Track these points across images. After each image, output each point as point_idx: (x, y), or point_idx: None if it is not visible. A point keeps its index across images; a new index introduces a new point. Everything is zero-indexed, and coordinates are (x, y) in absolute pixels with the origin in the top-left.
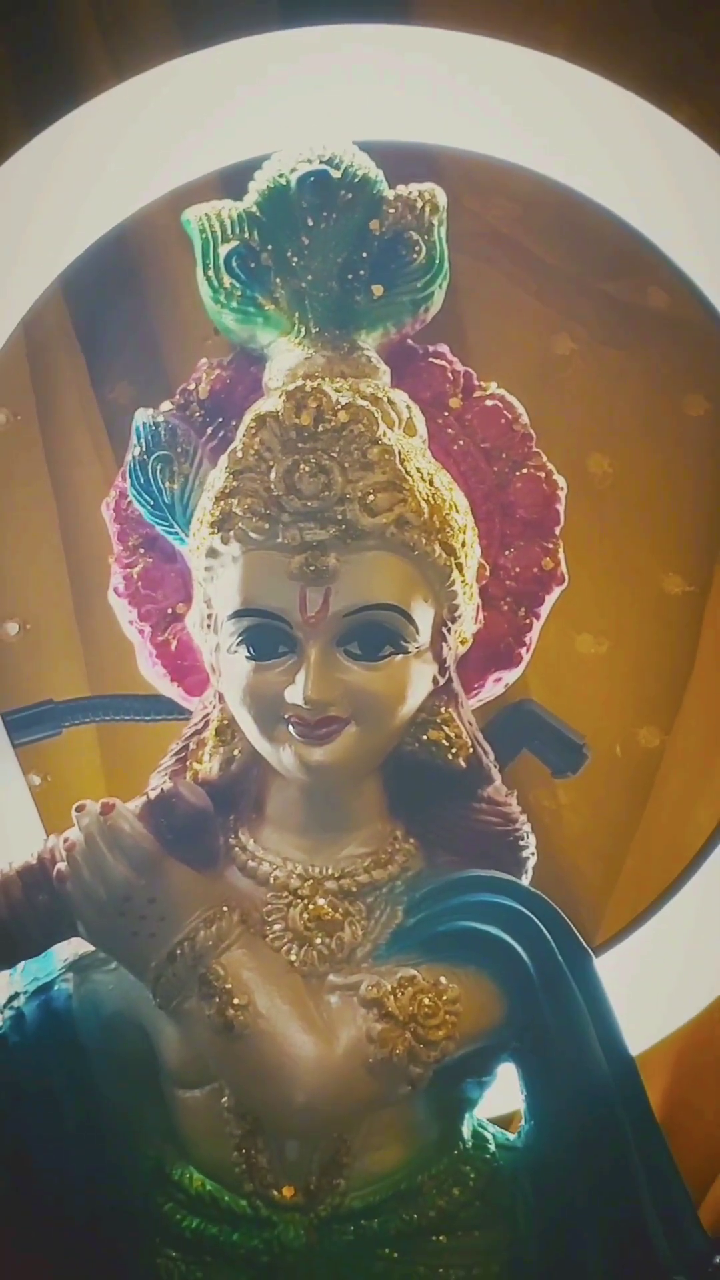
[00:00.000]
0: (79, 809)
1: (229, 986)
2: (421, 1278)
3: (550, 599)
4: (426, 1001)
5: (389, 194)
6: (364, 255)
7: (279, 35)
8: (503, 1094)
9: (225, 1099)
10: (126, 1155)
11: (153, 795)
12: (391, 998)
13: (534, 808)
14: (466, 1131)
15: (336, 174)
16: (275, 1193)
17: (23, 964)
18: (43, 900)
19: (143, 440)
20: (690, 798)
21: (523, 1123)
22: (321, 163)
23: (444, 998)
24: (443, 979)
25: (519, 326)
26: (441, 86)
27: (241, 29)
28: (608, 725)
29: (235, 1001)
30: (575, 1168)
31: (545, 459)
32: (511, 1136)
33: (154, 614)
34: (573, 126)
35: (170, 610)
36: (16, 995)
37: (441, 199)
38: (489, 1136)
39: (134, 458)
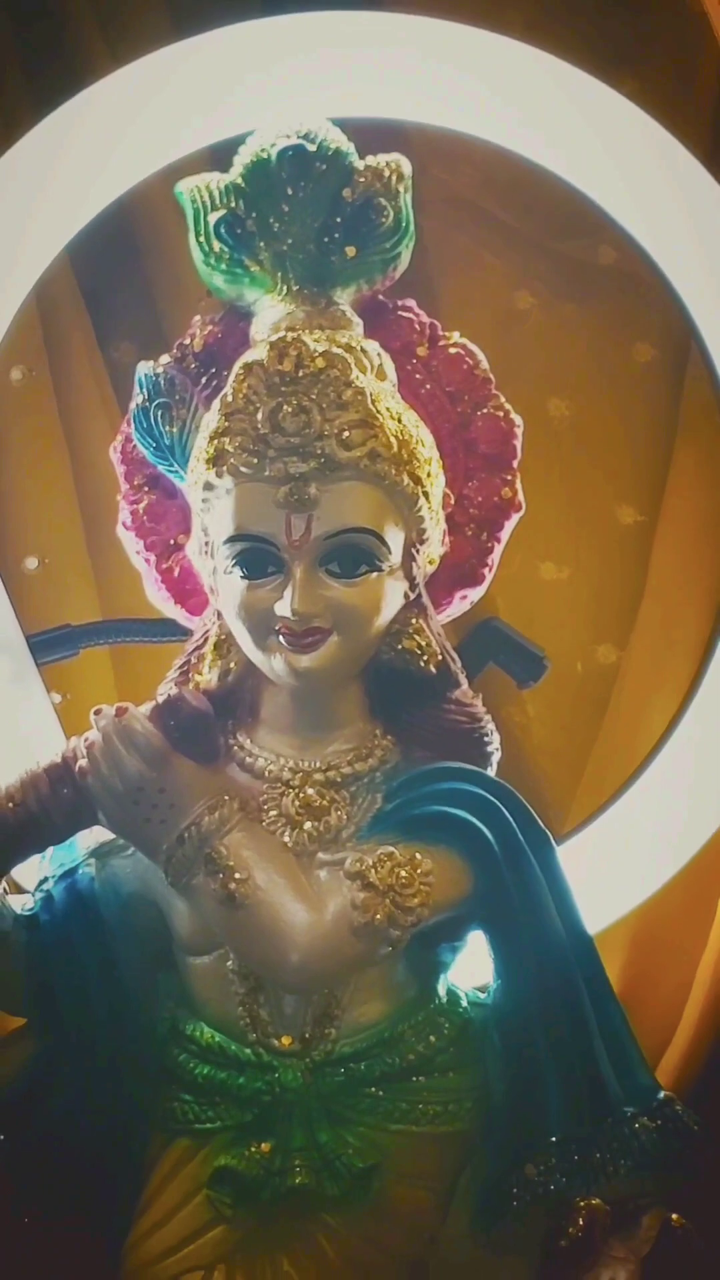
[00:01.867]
0: (97, 712)
1: (231, 864)
2: (403, 1113)
3: (509, 525)
4: (403, 874)
5: (359, 165)
6: (338, 220)
7: (261, 23)
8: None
9: (230, 962)
10: (145, 1016)
11: (160, 700)
12: (373, 871)
13: (505, 721)
14: (441, 990)
15: (312, 148)
16: (275, 1042)
17: (51, 851)
18: (67, 794)
19: (145, 390)
20: (643, 707)
21: (491, 983)
22: (299, 138)
23: (419, 871)
24: (418, 855)
25: (482, 283)
26: (411, 67)
27: (227, 18)
28: (569, 644)
29: (237, 876)
30: (537, 1020)
31: (504, 400)
32: (481, 995)
33: (158, 545)
34: (528, 102)
35: (172, 541)
36: (46, 879)
37: (407, 168)
38: (461, 995)
39: (137, 405)
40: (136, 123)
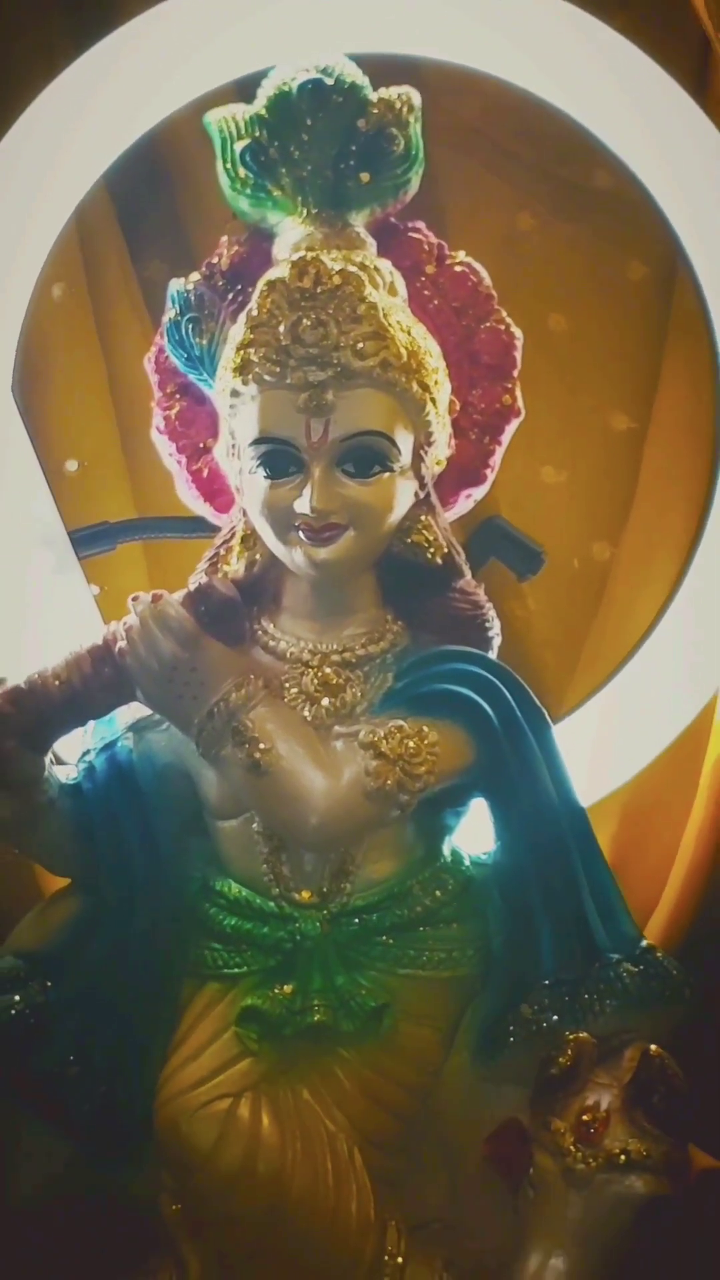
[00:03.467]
0: (134, 599)
1: (256, 736)
2: (411, 959)
3: (509, 429)
4: (411, 744)
5: (373, 97)
6: (353, 148)
7: None
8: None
9: (255, 825)
10: (178, 874)
11: (192, 589)
12: (384, 742)
13: (508, 615)
14: (446, 851)
15: (330, 81)
16: (296, 895)
17: (92, 725)
18: (107, 672)
19: (176, 305)
20: (633, 599)
21: (492, 845)
22: (317, 72)
23: (425, 741)
24: (425, 728)
25: (486, 205)
26: (421, 6)
27: None
28: (567, 542)
29: (261, 747)
30: (532, 878)
31: (505, 315)
32: (482, 855)
33: (189, 447)
34: (529, 37)
35: (202, 444)
36: (88, 751)
37: (416, 100)
38: (464, 855)
39: (169, 319)
40: (167, 59)
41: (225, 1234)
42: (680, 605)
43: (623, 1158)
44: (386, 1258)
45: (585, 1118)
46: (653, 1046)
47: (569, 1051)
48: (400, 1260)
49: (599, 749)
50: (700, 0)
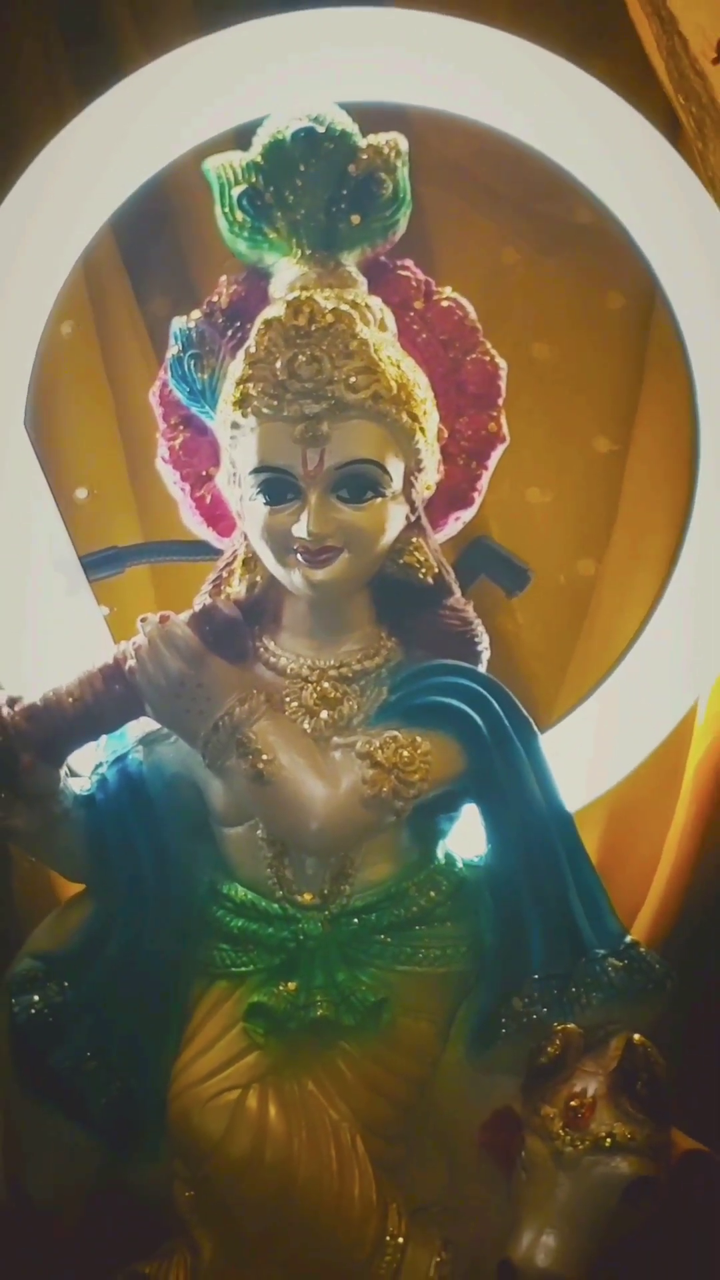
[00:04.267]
0: (143, 620)
1: (259, 747)
2: (408, 956)
3: (495, 454)
4: (406, 754)
5: (362, 144)
6: (344, 192)
7: (276, 18)
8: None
9: (259, 831)
10: (187, 879)
11: (197, 609)
12: (380, 751)
13: (498, 630)
14: (440, 854)
15: (321, 129)
16: (298, 897)
17: (104, 740)
18: (118, 689)
19: (179, 341)
20: (617, 613)
21: (484, 847)
22: (310, 121)
23: (419, 751)
24: (418, 738)
25: (473, 241)
26: (408, 56)
27: (247, 14)
28: (553, 559)
29: (264, 758)
30: (522, 879)
31: (490, 346)
32: (474, 858)
33: (192, 476)
34: (511, 83)
35: (204, 472)
36: (100, 764)
37: (404, 145)
38: (457, 858)
39: (172, 355)
40: (168, 109)
41: (236, 1218)
42: (662, 618)
43: (609, 1141)
44: (388, 1238)
45: (573, 1104)
46: (636, 1036)
47: (557, 1042)
48: (401, 1240)
49: (586, 756)
50: (661, 67)
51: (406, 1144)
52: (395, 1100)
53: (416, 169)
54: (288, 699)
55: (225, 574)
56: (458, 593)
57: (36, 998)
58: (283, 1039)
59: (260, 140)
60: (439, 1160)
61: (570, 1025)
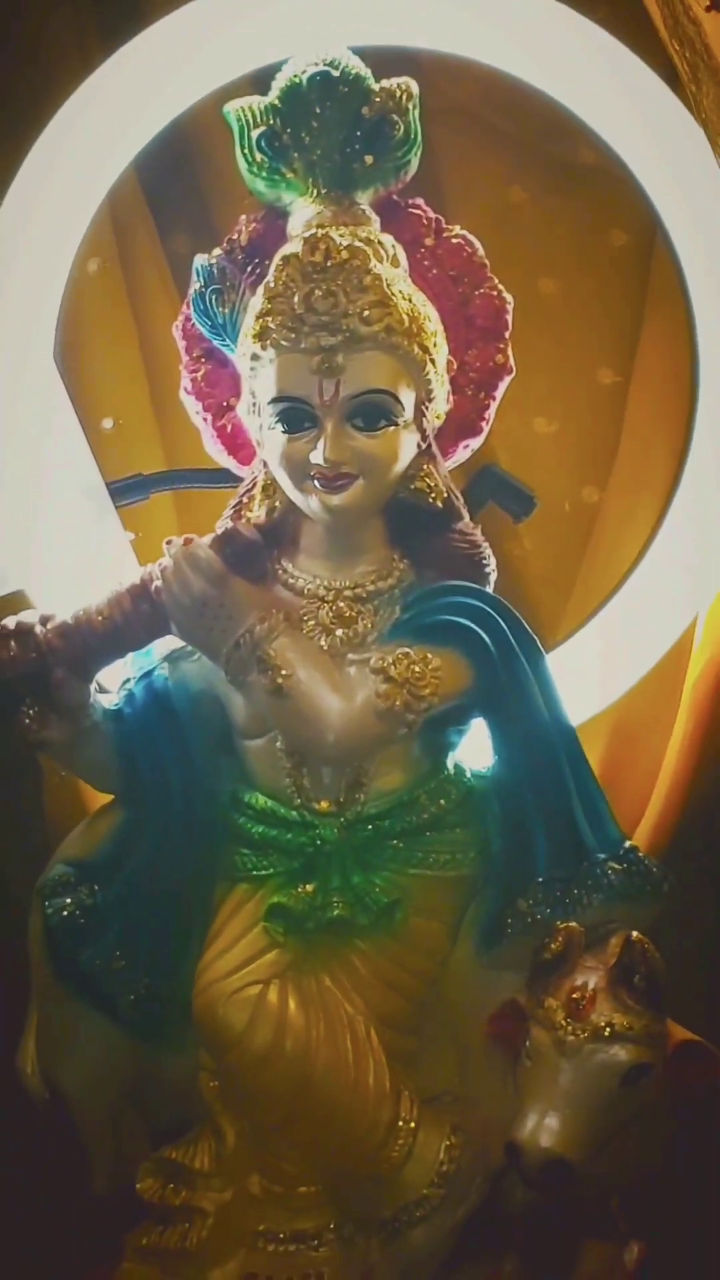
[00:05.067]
0: (168, 543)
1: (278, 663)
2: (419, 860)
3: (502, 385)
4: (417, 669)
5: (375, 87)
6: (358, 134)
7: None
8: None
9: (278, 743)
10: (210, 788)
11: (219, 533)
12: (392, 667)
13: (506, 554)
14: (450, 764)
15: (336, 73)
16: (316, 805)
17: (131, 657)
18: (145, 609)
19: (201, 278)
20: (619, 537)
21: (492, 758)
22: (325, 65)
23: (430, 666)
24: (429, 654)
25: (481, 181)
26: (421, 2)
27: None
28: (559, 487)
29: (283, 673)
30: (527, 788)
31: (498, 282)
32: (482, 769)
33: (214, 406)
34: (519, 29)
35: (226, 403)
36: (128, 679)
37: (414, 89)
38: (466, 768)
39: (195, 291)
40: (189, 55)
41: (258, 1106)
42: (662, 542)
43: (608, 1030)
44: (401, 1123)
45: (575, 996)
46: (635, 934)
47: (560, 939)
48: (413, 1125)
49: (589, 672)
50: (657, 15)
51: (418, 1036)
52: (408, 995)
53: (427, 111)
54: (305, 618)
55: (246, 499)
56: (466, 517)
57: (68, 901)
58: (301, 938)
59: (278, 84)
60: (449, 1051)
61: (572, 924)
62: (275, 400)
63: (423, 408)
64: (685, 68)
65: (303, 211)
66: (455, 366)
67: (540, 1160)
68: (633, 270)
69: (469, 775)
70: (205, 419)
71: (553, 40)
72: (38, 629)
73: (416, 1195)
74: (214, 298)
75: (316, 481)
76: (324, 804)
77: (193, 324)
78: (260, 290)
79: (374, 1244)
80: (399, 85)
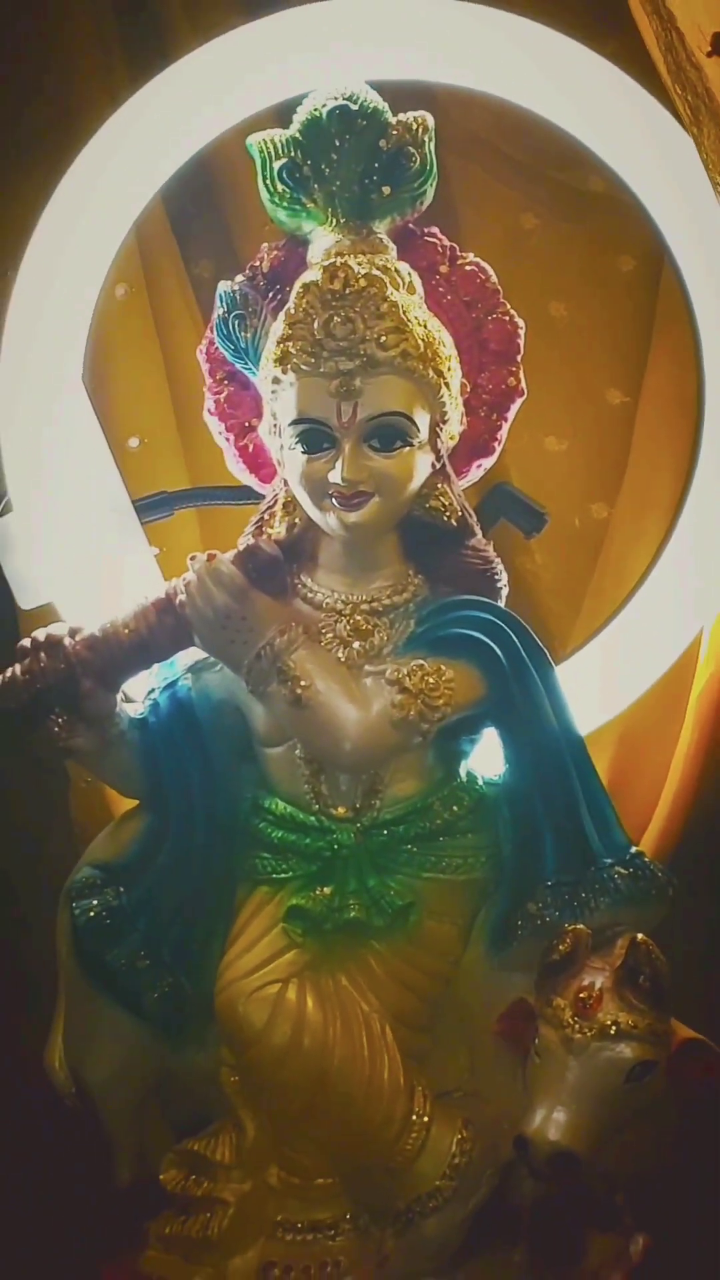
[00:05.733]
0: (192, 558)
1: (297, 674)
2: (432, 864)
3: (514, 407)
4: (431, 680)
5: (392, 120)
6: (376, 165)
7: (315, 6)
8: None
9: (297, 751)
10: (231, 794)
11: (241, 549)
12: (408, 679)
13: (518, 569)
14: (463, 772)
15: (355, 107)
16: (333, 811)
17: (156, 668)
18: (169, 621)
19: (224, 304)
20: (628, 553)
21: (502, 766)
22: (344, 99)
23: (443, 678)
24: (443, 666)
25: (494, 208)
26: (436, 40)
27: (287, 2)
28: (569, 503)
29: (302, 684)
30: (536, 795)
31: (510, 307)
32: (494, 776)
33: (236, 427)
34: (531, 63)
35: (247, 424)
36: (153, 690)
37: (430, 122)
38: (478, 776)
39: (218, 316)
40: (214, 89)
41: (277, 1100)
42: (668, 558)
43: (614, 1028)
44: (414, 1117)
45: (582, 995)
46: (640, 936)
47: (568, 941)
48: (426, 1119)
49: (598, 684)
50: (659, 60)
51: (431, 1034)
52: (421, 994)
53: (442, 141)
54: (324, 631)
55: (267, 516)
56: (479, 534)
57: (95, 902)
58: (319, 938)
59: (299, 118)
60: (461, 1048)
61: (580, 926)
62: (295, 422)
63: (437, 429)
64: (687, 111)
65: (322, 240)
66: (469, 389)
67: (548, 1153)
68: (640, 294)
69: (481, 782)
70: (228, 439)
71: (564, 74)
72: (67, 641)
73: (429, 1187)
74: (236, 323)
75: (335, 500)
76: (341, 810)
77: (216, 348)
78: (281, 316)
79: (388, 1234)
80: (415, 119)
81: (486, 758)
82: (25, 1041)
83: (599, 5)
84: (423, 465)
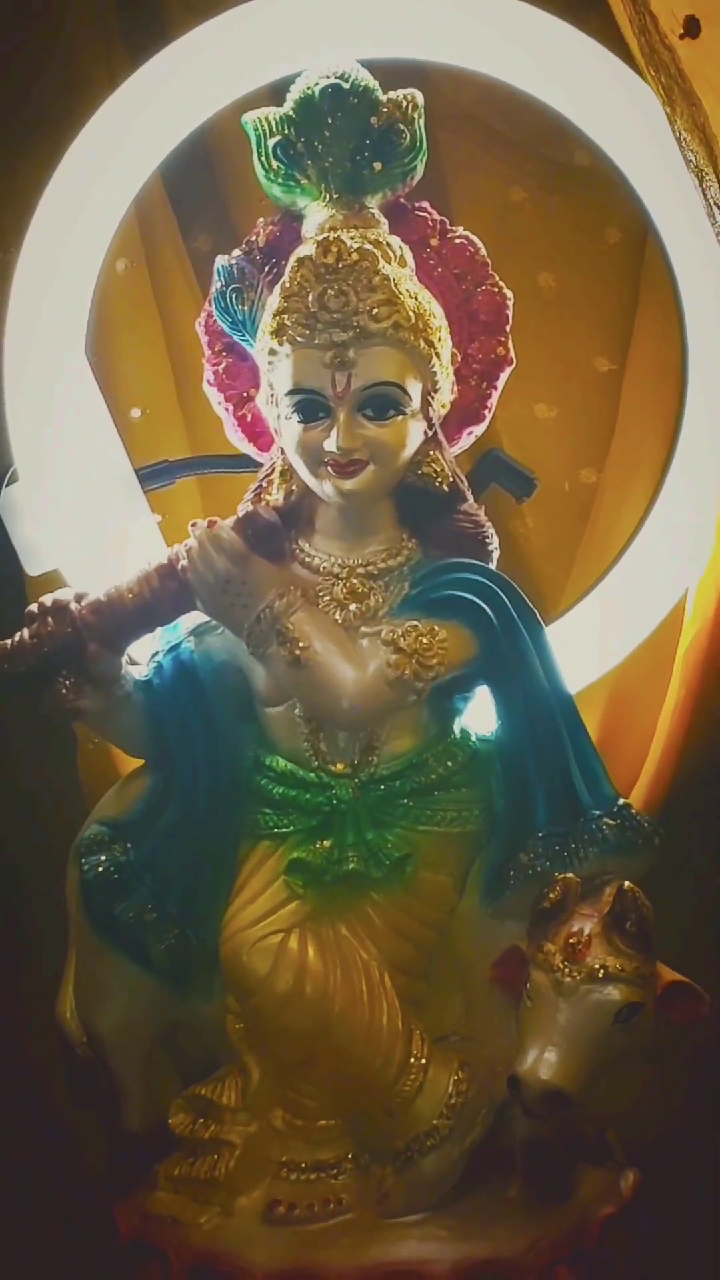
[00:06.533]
0: (193, 525)
1: (296, 636)
2: (428, 817)
3: (504, 376)
4: (425, 641)
5: (383, 98)
6: (367, 142)
7: None
8: None
9: (297, 710)
10: (234, 753)
11: (240, 514)
12: (402, 639)
13: (509, 533)
14: (456, 730)
15: (347, 86)
16: (332, 767)
17: (159, 631)
18: (172, 586)
19: (222, 277)
20: (615, 515)
21: (495, 723)
22: (336, 78)
23: (436, 638)
24: (436, 627)
25: (483, 181)
26: (425, 17)
27: None
28: (559, 469)
29: (301, 645)
30: (528, 750)
31: (498, 279)
32: (487, 734)
33: (234, 397)
34: (516, 39)
35: (245, 394)
36: (157, 652)
37: (420, 100)
38: (471, 732)
39: (216, 289)
40: (209, 68)
41: (280, 1046)
42: (655, 520)
43: (602, 972)
44: (412, 1060)
45: (572, 941)
46: (627, 884)
47: (558, 889)
48: (424, 1062)
49: (587, 642)
50: (633, 43)
51: (428, 980)
52: (418, 942)
53: (431, 117)
54: (321, 594)
55: (265, 484)
56: (471, 499)
57: (103, 858)
58: (319, 890)
59: (292, 96)
60: (456, 994)
61: (569, 875)
62: (291, 392)
63: (429, 398)
64: (661, 92)
65: (316, 215)
66: (459, 358)
67: (540, 1092)
68: (626, 265)
69: (474, 739)
70: (227, 409)
71: (549, 51)
72: (73, 606)
73: (427, 1126)
74: (234, 296)
75: (330, 468)
76: (339, 766)
77: (214, 320)
78: (277, 290)
79: (388, 1172)
80: (405, 96)
81: (479, 715)
82: (37, 994)
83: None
84: (415, 433)
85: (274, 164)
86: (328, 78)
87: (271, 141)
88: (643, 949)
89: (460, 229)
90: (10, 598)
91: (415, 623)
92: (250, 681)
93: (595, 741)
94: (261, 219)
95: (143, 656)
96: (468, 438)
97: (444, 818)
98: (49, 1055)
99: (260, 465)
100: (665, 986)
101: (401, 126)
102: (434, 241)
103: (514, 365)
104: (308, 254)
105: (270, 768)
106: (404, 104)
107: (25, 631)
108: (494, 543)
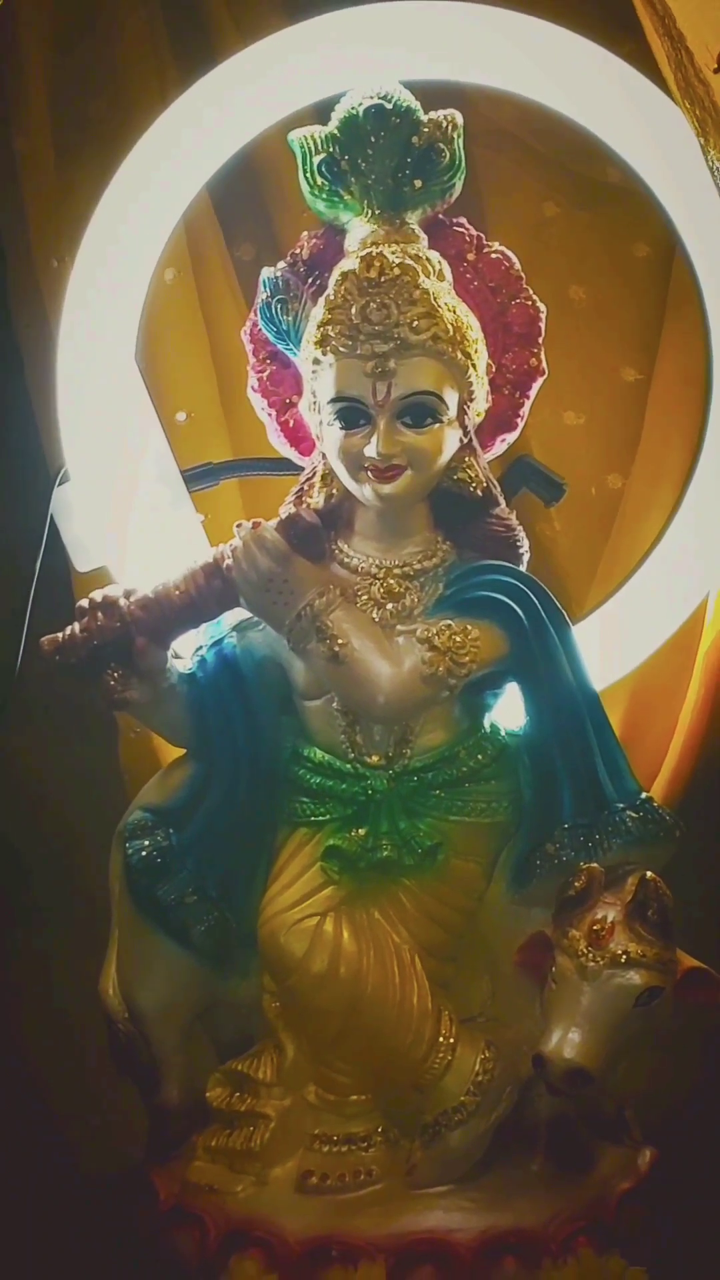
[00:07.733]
0: (238, 525)
1: (335, 633)
2: (459, 808)
3: (536, 385)
4: (458, 639)
5: (424, 118)
6: (408, 160)
7: (352, 10)
8: None
9: (334, 704)
10: (273, 744)
11: (282, 516)
12: (436, 637)
13: (540, 535)
14: (486, 724)
15: (389, 106)
16: (367, 759)
17: (204, 627)
18: (216, 584)
19: (267, 288)
20: (640, 520)
21: (524, 718)
22: (379, 98)
23: (469, 637)
24: (469, 626)
25: (519, 198)
26: (465, 41)
27: (328, 6)
28: (586, 474)
29: (339, 642)
30: (555, 745)
31: (532, 292)
32: (516, 729)
33: (278, 403)
34: (552, 63)
35: (288, 400)
36: (201, 647)
37: (459, 120)
38: (501, 727)
39: (262, 299)
40: (258, 88)
41: (314, 1024)
42: (678, 525)
43: (624, 957)
44: (441, 1039)
45: (595, 928)
46: (649, 873)
47: (583, 878)
48: (452, 1041)
49: (612, 642)
50: (670, 76)
51: (457, 964)
52: (448, 927)
53: (469, 135)
54: (359, 593)
55: (306, 487)
56: (503, 503)
57: (146, 842)
58: (354, 876)
59: (337, 115)
60: (484, 977)
61: (594, 865)
62: (334, 400)
63: (465, 407)
64: (695, 124)
65: (358, 230)
66: (494, 369)
67: (563, 1070)
68: (654, 279)
69: (503, 733)
70: (270, 414)
71: (583, 74)
72: (121, 601)
73: (455, 1102)
74: (279, 306)
75: (370, 472)
76: (375, 758)
77: (259, 329)
78: (321, 301)
79: (417, 1145)
80: (445, 116)
81: (509, 710)
82: (86, 972)
83: (616, 11)
84: (451, 440)
85: (319, 180)
86: (371, 98)
87: (316, 159)
88: (663, 936)
89: (495, 244)
90: (61, 594)
91: (449, 622)
92: (290, 676)
93: (619, 737)
94: (305, 232)
95: (187, 651)
96: (501, 444)
97: (474, 808)
98: (91, 1030)
99: (300, 469)
100: (684, 972)
101: (441, 146)
102: (470, 256)
103: (546, 375)
104: (351, 268)
105: (308, 759)
106: (444, 124)
107: (76, 625)
108: (525, 546)
